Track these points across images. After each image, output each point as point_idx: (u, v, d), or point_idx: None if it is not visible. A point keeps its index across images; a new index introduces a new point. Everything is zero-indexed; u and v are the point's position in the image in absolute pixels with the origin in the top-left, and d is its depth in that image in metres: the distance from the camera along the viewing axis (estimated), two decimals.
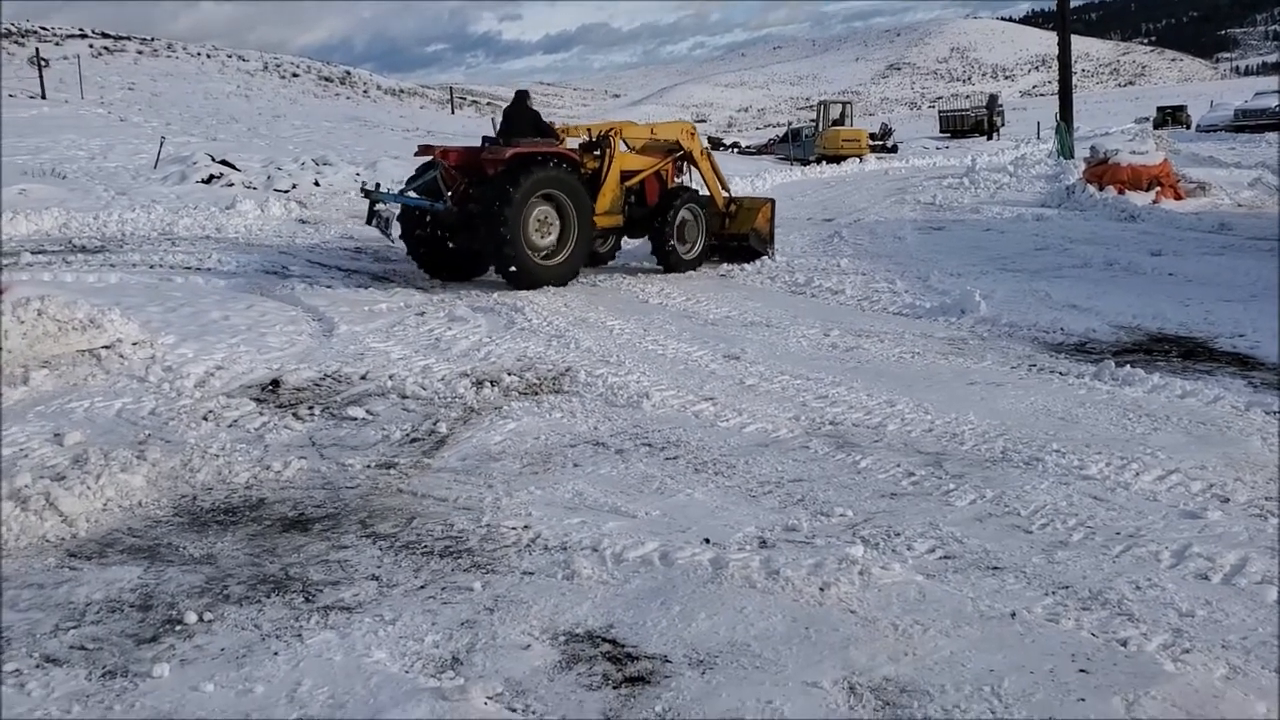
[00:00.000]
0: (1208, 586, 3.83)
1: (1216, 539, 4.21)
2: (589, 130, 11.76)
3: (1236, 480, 4.86)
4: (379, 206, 10.42)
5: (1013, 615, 3.64)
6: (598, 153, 11.47)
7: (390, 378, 7.12)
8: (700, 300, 10.17)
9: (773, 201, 13.00)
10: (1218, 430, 5.65)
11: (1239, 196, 17.87)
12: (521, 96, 11.49)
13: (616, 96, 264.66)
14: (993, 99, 59.88)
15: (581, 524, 4.54)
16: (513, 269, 10.35)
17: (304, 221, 16.20)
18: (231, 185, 19.90)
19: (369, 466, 5.45)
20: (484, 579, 4.04)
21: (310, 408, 6.53)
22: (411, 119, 36.34)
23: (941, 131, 58.50)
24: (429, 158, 11.02)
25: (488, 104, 67.49)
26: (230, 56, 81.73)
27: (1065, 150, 24.20)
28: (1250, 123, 39.53)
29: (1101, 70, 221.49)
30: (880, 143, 42.05)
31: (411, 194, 10.83)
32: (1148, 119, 50.86)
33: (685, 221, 11.88)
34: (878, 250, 13.04)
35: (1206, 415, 5.92)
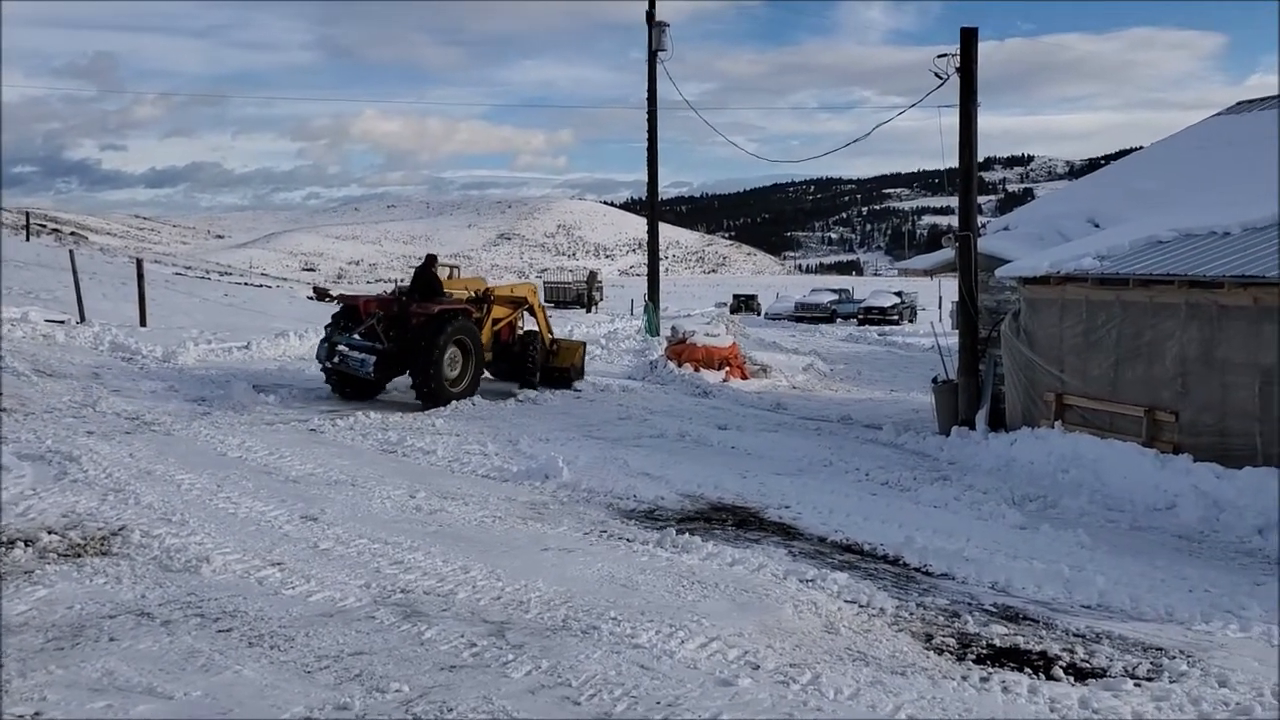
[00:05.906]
0: None
1: (744, 706, 4.55)
2: (476, 291, 15.57)
3: (768, 647, 5.31)
4: (341, 347, 13.70)
5: None
6: (481, 306, 15.33)
7: None
8: (285, 455, 9.76)
9: (585, 344, 17.54)
10: (757, 598, 6.17)
11: (794, 379, 20.18)
12: (431, 260, 14.98)
13: (220, 238, 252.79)
14: (592, 275, 63.51)
15: (106, 708, 4.10)
16: (429, 392, 13.58)
17: None
18: None
19: None
20: None
21: None
22: None
23: (546, 301, 61.02)
24: (341, 305, 15.05)
25: (71, 234, 62.04)
26: None
27: (652, 328, 26.06)
28: (807, 315, 45.75)
29: (690, 257, 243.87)
30: None
31: (356, 336, 13.92)
32: (725, 304, 56.21)
33: (534, 356, 16.03)
34: (473, 413, 13.25)
35: (749, 583, 6.46)
